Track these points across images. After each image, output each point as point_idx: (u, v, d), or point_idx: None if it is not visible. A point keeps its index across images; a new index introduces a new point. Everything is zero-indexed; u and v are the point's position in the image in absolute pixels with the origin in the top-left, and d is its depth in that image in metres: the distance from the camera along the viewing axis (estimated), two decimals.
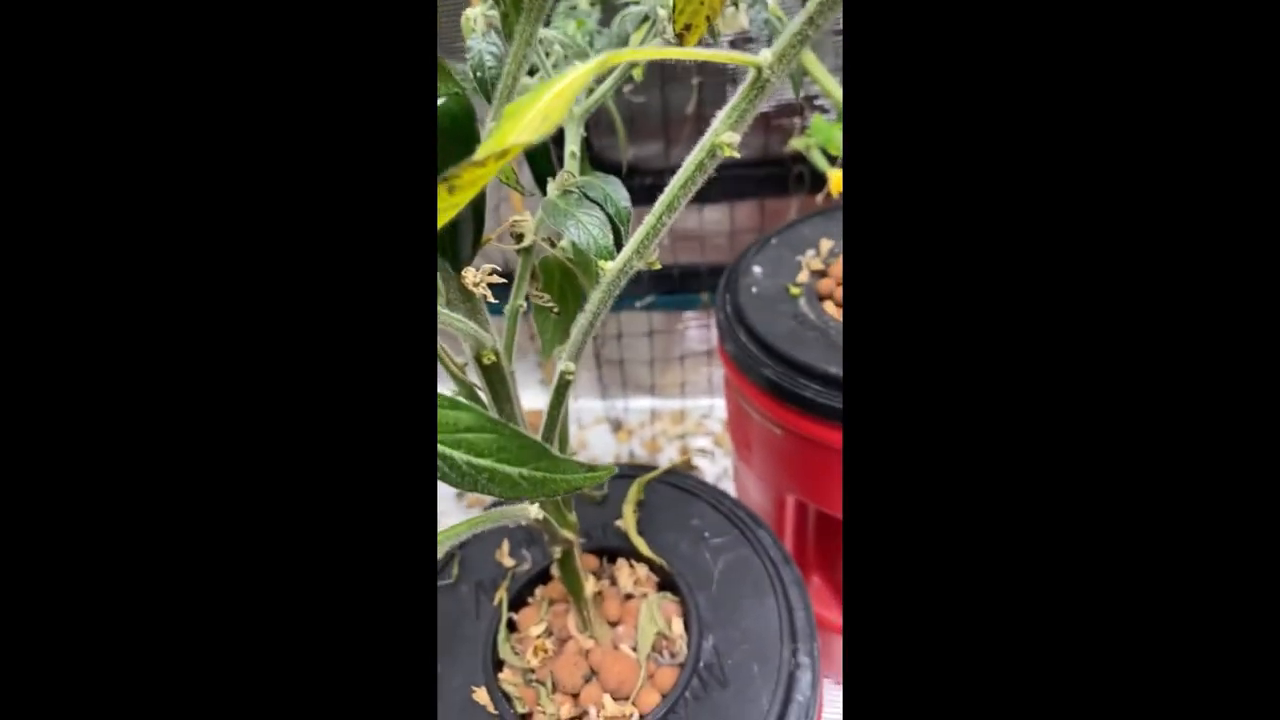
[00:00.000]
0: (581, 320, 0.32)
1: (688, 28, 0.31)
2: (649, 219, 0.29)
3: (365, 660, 0.24)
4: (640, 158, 0.91)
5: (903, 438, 0.23)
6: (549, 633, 0.49)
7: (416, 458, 0.24)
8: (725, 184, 0.89)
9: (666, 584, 0.52)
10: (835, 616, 0.68)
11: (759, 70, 0.24)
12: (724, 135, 0.26)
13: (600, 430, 1.18)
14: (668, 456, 1.11)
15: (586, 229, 0.31)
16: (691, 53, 0.24)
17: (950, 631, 0.23)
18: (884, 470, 0.23)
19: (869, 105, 0.22)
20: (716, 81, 0.84)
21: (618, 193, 0.34)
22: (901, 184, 0.22)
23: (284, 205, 0.23)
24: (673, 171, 0.27)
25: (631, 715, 0.43)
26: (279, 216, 0.23)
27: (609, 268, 0.30)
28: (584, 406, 1.18)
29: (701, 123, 0.85)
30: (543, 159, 0.43)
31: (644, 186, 0.93)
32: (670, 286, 0.98)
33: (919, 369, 0.23)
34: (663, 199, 0.28)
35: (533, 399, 1.19)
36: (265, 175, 0.22)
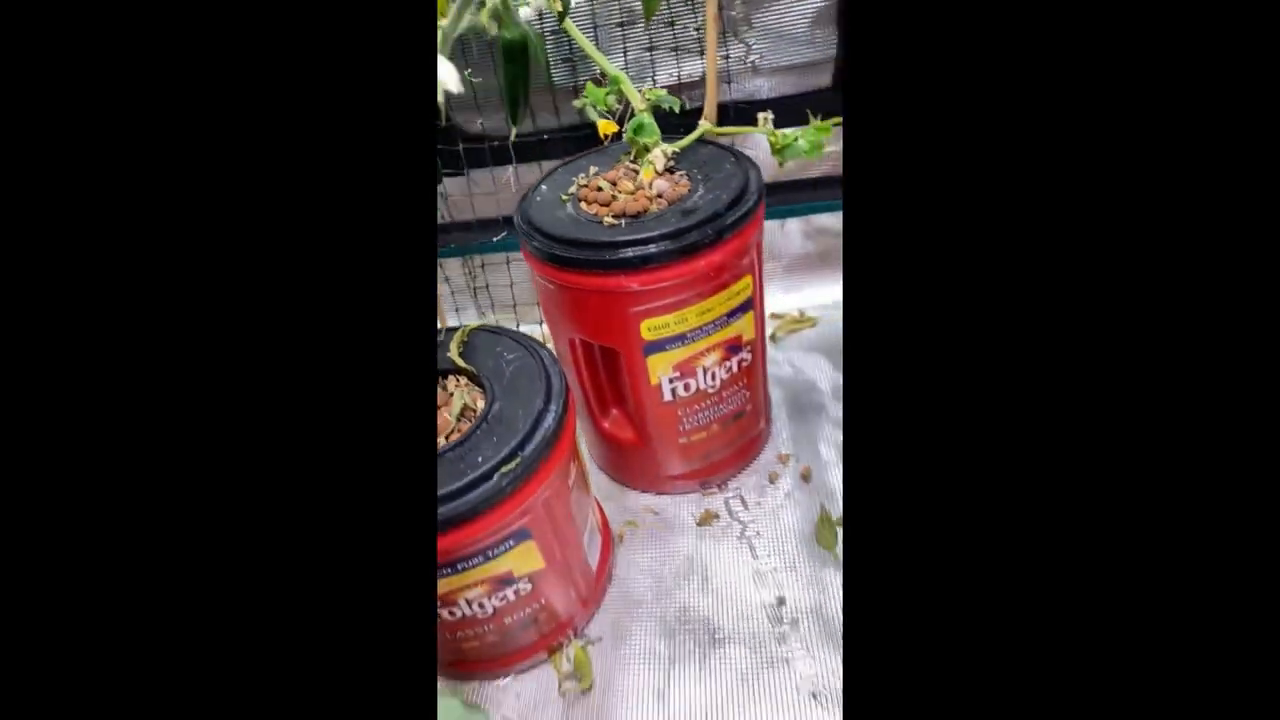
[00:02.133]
0: None
1: None
2: None
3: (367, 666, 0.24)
4: (489, 128, 1.18)
5: (897, 447, 0.23)
6: None
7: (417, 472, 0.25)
8: (555, 144, 1.17)
9: (477, 384, 0.80)
10: (627, 434, 0.97)
11: None
12: None
13: None
14: None
15: None
16: None
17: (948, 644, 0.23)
18: (880, 480, 0.23)
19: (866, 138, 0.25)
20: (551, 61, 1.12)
21: None
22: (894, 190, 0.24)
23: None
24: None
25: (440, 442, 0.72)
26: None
27: None
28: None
29: (538, 95, 1.13)
30: None
31: (492, 149, 1.20)
32: None
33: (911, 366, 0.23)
34: None
35: None
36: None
